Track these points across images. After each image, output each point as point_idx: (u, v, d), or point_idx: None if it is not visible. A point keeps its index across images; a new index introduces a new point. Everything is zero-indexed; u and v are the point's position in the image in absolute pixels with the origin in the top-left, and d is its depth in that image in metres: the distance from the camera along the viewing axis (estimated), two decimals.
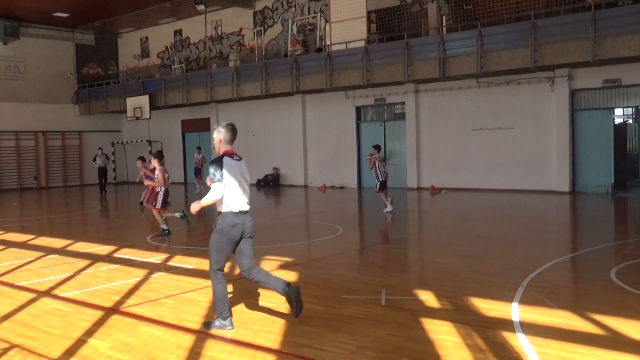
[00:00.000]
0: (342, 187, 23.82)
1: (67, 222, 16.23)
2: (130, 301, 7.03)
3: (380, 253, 10.04)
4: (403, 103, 22.71)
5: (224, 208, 5.86)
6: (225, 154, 5.95)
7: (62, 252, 10.68)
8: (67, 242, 11.79)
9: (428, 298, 6.70)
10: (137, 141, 31.63)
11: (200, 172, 23.97)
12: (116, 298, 7.17)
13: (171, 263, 9.28)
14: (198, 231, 13.70)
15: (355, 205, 18.74)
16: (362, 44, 21.14)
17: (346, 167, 24.15)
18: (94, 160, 26.46)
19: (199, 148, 24.50)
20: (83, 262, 9.53)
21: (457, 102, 21.24)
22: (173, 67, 29.19)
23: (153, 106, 28.26)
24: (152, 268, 8.92)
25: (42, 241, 12.07)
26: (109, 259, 9.83)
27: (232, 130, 6.05)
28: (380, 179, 15.31)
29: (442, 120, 21.66)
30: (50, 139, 31.00)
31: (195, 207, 5.91)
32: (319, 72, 22.15)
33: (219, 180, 5.73)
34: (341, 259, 9.40)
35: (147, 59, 32.07)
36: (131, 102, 28.70)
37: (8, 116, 29.35)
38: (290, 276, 7.98)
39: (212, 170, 5.78)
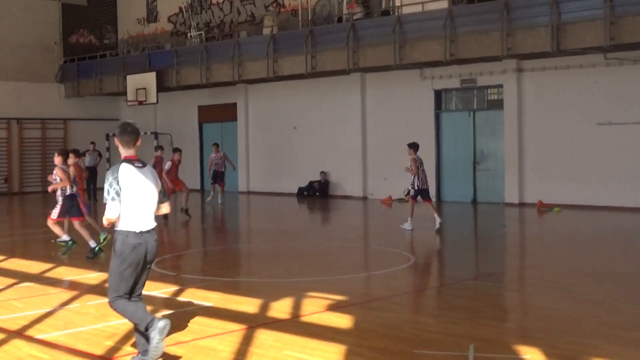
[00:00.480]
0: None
1: (47, 240, 16.60)
2: (127, 348, 7.10)
3: (466, 292, 9.91)
4: (500, 86, 22.46)
5: (121, 226, 6.39)
6: (125, 160, 6.49)
7: (39, 279, 10.89)
8: (46, 266, 12.04)
9: (535, 358, 6.56)
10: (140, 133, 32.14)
11: (221, 177, 24.25)
12: (109, 343, 7.26)
13: (182, 298, 9.36)
14: (216, 255, 13.81)
15: (433, 224, 18.63)
16: (444, 4, 21.00)
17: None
18: (82, 155, 26.95)
19: (216, 145, 24.80)
20: (66, 294, 9.70)
21: (577, 86, 20.84)
22: (189, 35, 29.65)
23: (161, 87, 28.77)
24: (158, 304, 9.01)
25: (14, 264, 12.35)
26: (100, 290, 9.97)
27: (131, 131, 6.58)
28: (419, 186, 16.16)
29: (555, 110, 21.31)
30: (27, 128, 31.92)
31: (104, 221, 6.49)
32: (385, 43, 22.12)
33: (112, 199, 6.32)
34: (413, 299, 9.29)
35: (154, 24, 32.70)
36: (133, 81, 29.29)
37: None
38: (343, 321, 7.94)
39: (106, 185, 6.36)
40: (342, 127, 26.01)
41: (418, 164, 16.13)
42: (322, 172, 26.41)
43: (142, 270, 6.54)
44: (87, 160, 26.59)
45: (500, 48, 19.82)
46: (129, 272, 6.43)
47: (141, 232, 6.41)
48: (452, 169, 23.56)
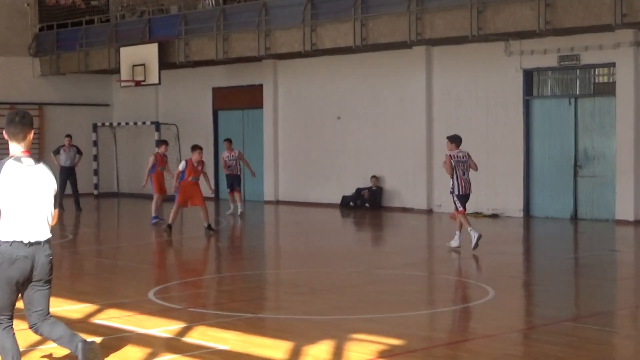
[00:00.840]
0: (494, 215, 23.58)
1: None
2: None
3: (562, 338, 9.86)
4: (612, 65, 22.30)
5: (3, 235, 6.88)
6: (12, 157, 6.98)
7: None
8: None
9: None
10: (136, 123, 32.52)
11: (237, 182, 24.39)
12: None
13: (190, 339, 9.46)
14: (234, 284, 13.91)
15: (519, 248, 18.44)
16: None
17: (504, 178, 23.90)
18: (56, 153, 27.39)
19: (229, 141, 24.88)
20: None
21: None
22: None
23: (165, 63, 29.00)
24: (158, 346, 9.13)
25: None
26: (84, 326, 10.08)
27: (19, 122, 7.00)
28: (458, 191, 16.70)
29: None
30: None
31: None
32: (459, 7, 22.10)
33: None
34: (491, 345, 9.29)
35: None
36: (128, 54, 29.55)
37: None
38: None
39: None
40: (401, 118, 25.92)
41: (454, 162, 16.69)
42: (373, 177, 26.34)
43: (30, 290, 7.11)
44: (62, 159, 26.87)
45: (612, 14, 19.66)
46: (7, 290, 6.96)
47: (29, 244, 6.87)
48: (545, 175, 23.38)
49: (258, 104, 29.52)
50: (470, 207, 23.81)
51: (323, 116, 27.75)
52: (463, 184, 16.70)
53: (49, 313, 7.39)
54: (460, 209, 16.64)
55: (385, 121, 26.25)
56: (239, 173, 24.55)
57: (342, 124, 27.33)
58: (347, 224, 24.10)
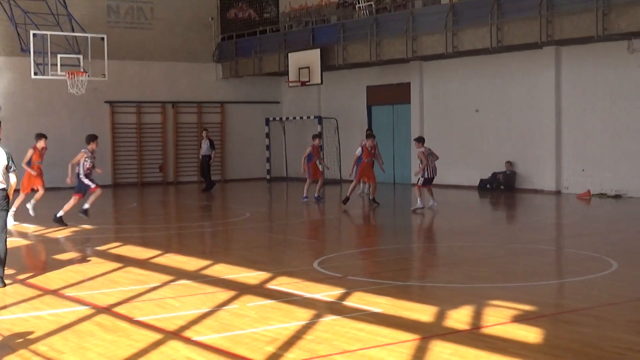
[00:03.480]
0: (617, 196, 22.89)
1: (203, 234, 17.44)
2: (290, 355, 7.35)
3: None
4: None
5: None
6: None
7: (196, 277, 11.47)
8: (204, 263, 12.65)
9: None
10: (302, 117, 32.99)
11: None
12: (270, 349, 7.55)
13: (349, 303, 9.58)
14: (386, 256, 13.97)
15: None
16: None
17: (627, 162, 23.16)
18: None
19: (370, 132, 24.55)
20: (225, 294, 10.17)
21: None
22: (357, 6, 29.99)
23: (326, 65, 29.30)
24: (322, 308, 9.28)
25: (170, 260, 13.09)
26: (260, 291, 10.40)
27: None
28: (427, 175, 20.19)
29: None
30: (182, 112, 33.51)
31: None
32: (586, 10, 21.49)
33: None
34: (615, 312, 9.04)
35: None
36: (295, 59, 30.00)
37: (129, 80, 32.10)
38: (531, 335, 7.86)
39: None
40: (532, 110, 25.50)
41: (427, 155, 20.15)
42: (507, 162, 26.04)
43: None
44: (202, 150, 27.95)
45: None
46: None
47: None
48: None
49: (406, 100, 29.52)
50: (595, 188, 23.34)
51: (463, 109, 27.57)
52: (431, 171, 20.12)
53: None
54: (424, 184, 20.23)
55: (518, 113, 25.91)
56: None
57: (480, 116, 27.10)
58: (484, 204, 23.84)
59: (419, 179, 20.14)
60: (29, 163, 18.09)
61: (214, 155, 28.93)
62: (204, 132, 29.22)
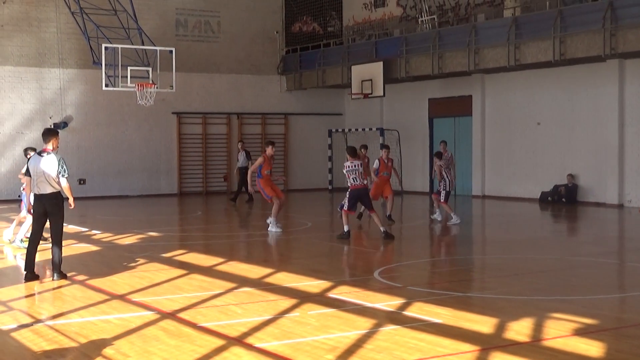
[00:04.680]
0: None
1: (266, 243, 17.50)
2: None
3: None
4: None
5: None
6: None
7: (258, 284, 11.55)
8: (266, 271, 12.73)
9: None
10: (364, 129, 33.02)
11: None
12: (330, 357, 7.56)
13: (409, 312, 9.53)
14: (445, 267, 13.86)
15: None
16: None
17: None
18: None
19: (445, 143, 23.73)
20: (286, 302, 10.21)
21: None
22: (420, 19, 29.94)
23: (389, 78, 29.29)
24: (382, 318, 9.24)
25: (233, 267, 13.19)
26: (321, 299, 10.40)
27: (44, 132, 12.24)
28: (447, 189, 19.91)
29: None
30: (247, 124, 33.77)
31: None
32: None
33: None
34: None
35: (382, 9, 33.32)
36: (358, 72, 30.04)
37: (195, 92, 32.59)
38: (592, 348, 7.72)
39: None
40: (595, 123, 25.14)
41: (444, 168, 20.13)
42: (569, 175, 25.69)
43: None
44: (240, 161, 27.78)
45: None
46: None
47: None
48: None
49: (468, 112, 29.37)
50: None
51: (524, 122, 27.31)
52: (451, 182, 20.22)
53: None
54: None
55: (580, 126, 25.56)
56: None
57: (542, 128, 26.80)
58: (545, 216, 23.52)
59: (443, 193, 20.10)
60: None
61: (250, 166, 28.44)
62: (239, 143, 29.04)
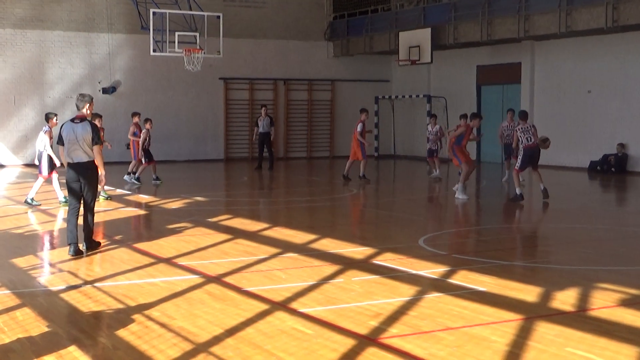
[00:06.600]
0: None
1: (311, 209, 17.58)
2: (393, 330, 7.39)
3: None
4: None
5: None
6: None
7: (303, 250, 11.62)
8: (311, 237, 12.79)
9: None
10: (411, 96, 32.87)
11: (509, 152, 22.30)
12: (374, 323, 7.60)
13: (453, 280, 9.53)
14: (491, 235, 13.80)
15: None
16: None
17: None
18: (256, 124, 28.08)
19: (512, 111, 23.01)
20: (330, 268, 10.26)
21: None
22: None
23: (437, 45, 29.05)
24: (426, 285, 9.26)
25: (278, 233, 13.27)
26: (365, 266, 10.44)
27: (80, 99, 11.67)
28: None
29: None
30: (293, 90, 33.77)
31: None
32: None
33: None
34: None
35: None
36: (406, 38, 29.84)
37: (243, 58, 32.56)
38: (639, 319, 7.64)
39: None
40: None
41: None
42: (619, 144, 25.32)
43: None
44: (260, 127, 27.47)
45: None
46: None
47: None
48: None
49: (516, 80, 29.02)
50: None
51: (574, 90, 26.93)
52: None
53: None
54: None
55: (632, 94, 25.14)
56: (511, 141, 22.49)
57: (592, 97, 26.42)
58: (594, 186, 23.25)
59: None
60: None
61: (273, 132, 28.09)
62: (262, 108, 28.52)
